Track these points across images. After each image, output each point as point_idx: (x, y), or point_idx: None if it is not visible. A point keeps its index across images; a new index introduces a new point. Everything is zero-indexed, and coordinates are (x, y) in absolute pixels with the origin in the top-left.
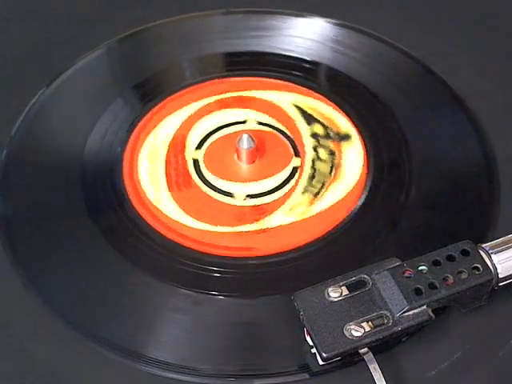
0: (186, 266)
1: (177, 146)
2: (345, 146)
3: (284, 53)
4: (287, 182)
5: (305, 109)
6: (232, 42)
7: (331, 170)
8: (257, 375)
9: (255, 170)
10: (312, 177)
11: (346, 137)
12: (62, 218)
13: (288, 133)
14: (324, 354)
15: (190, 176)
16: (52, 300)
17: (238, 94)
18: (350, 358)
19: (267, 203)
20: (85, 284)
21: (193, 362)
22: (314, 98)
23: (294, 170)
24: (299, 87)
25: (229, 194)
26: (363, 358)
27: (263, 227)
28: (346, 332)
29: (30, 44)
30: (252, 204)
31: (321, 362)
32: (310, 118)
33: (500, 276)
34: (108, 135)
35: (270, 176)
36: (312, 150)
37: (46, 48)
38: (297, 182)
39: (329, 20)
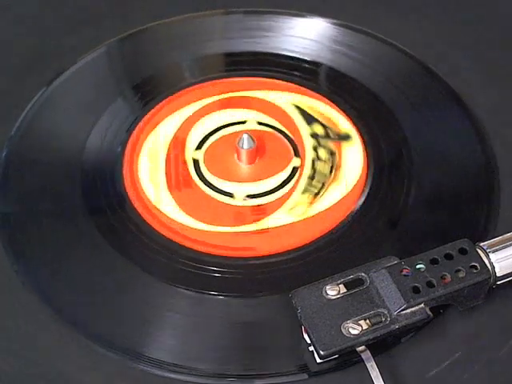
0: (185, 266)
1: (177, 146)
2: (345, 146)
3: (284, 53)
4: (287, 182)
5: (305, 109)
6: (232, 42)
7: (331, 170)
8: (256, 375)
9: (255, 170)
10: (312, 177)
11: (346, 137)
12: (62, 218)
13: (288, 133)
14: (322, 352)
15: (190, 176)
16: (52, 300)
17: (238, 94)
18: (349, 358)
19: (267, 203)
20: (85, 284)
21: (192, 361)
22: (314, 98)
23: (294, 169)
24: (299, 87)
25: (229, 194)
26: (361, 357)
27: (263, 227)
28: (343, 330)
29: (30, 44)
30: (252, 204)
31: (318, 360)
32: (309, 118)
33: (498, 275)
34: (108, 135)
35: (270, 176)
36: (312, 150)
37: (45, 48)
38: (297, 181)
39: (329, 20)
